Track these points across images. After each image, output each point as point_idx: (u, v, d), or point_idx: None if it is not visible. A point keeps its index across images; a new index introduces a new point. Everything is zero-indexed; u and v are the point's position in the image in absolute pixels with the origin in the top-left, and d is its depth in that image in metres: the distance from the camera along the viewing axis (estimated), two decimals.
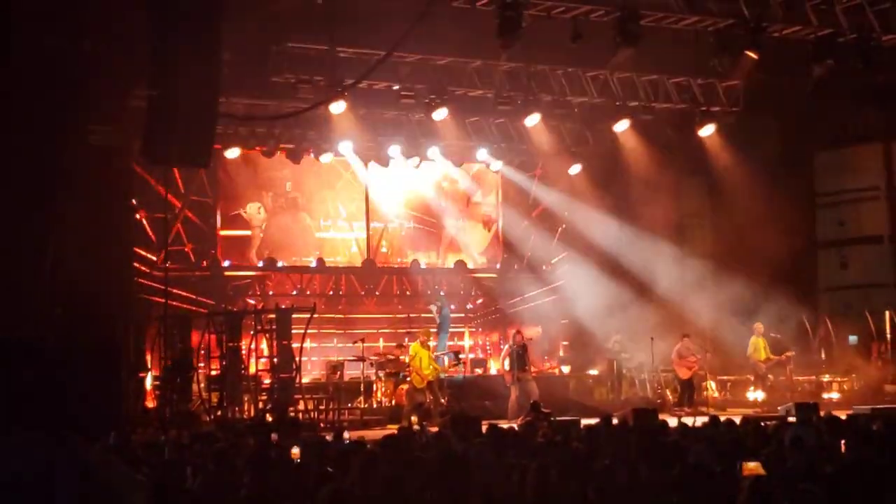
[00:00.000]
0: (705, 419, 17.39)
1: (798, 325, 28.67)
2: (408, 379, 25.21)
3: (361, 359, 26.82)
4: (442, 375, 26.06)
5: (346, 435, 15.23)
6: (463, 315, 33.80)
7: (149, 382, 24.60)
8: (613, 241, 30.79)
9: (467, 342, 33.28)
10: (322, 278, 32.20)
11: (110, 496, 2.20)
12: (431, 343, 26.67)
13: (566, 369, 31.32)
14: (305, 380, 25.48)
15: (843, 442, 12.06)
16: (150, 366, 24.95)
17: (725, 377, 29.42)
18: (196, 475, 9.45)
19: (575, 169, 31.76)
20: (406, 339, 28.66)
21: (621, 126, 28.89)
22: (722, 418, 15.40)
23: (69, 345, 21.80)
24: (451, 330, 32.77)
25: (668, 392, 27.93)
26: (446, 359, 27.74)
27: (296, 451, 12.02)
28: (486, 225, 34.14)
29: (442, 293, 31.20)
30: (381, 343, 30.29)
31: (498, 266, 34.03)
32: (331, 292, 32.10)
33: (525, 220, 33.99)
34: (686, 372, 27.29)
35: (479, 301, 34.40)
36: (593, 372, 30.39)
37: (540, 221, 33.96)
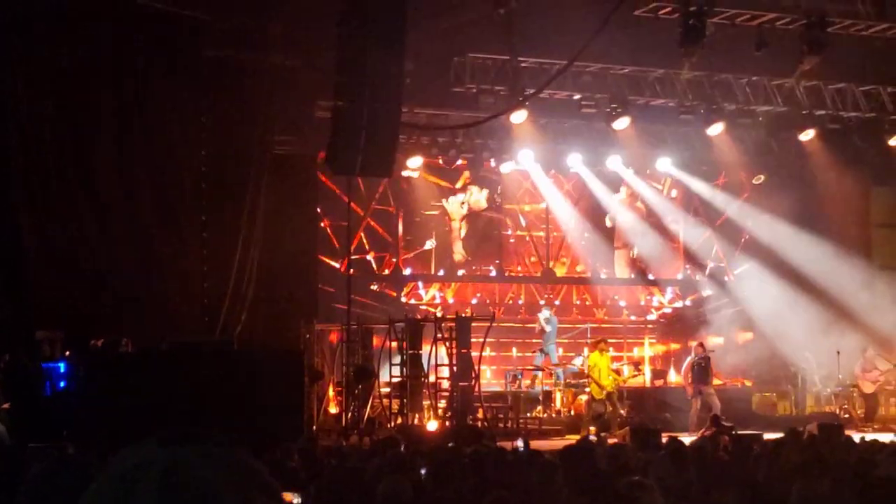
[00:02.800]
0: (894, 436, 16.95)
1: None
2: (587, 389, 25.11)
3: (540, 368, 26.78)
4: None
5: (519, 444, 15.21)
6: (643, 326, 33.52)
7: (331, 389, 25.00)
8: (798, 253, 30.16)
9: (648, 352, 32.96)
10: (502, 287, 32.30)
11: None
12: (539, 356, 26.92)
13: (749, 383, 30.80)
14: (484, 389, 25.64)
15: None
16: (332, 372, 25.35)
17: None
18: (375, 480, 9.58)
19: (759, 179, 31.21)
20: (585, 350, 28.51)
21: (807, 135, 28.36)
22: None
23: (254, 350, 22.38)
24: (631, 340, 32.57)
25: (854, 407, 27.23)
26: (626, 368, 27.54)
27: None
28: (666, 237, 33.76)
29: (545, 305, 30.60)
30: (560, 352, 30.20)
31: (679, 277, 33.66)
32: (510, 301, 32.15)
33: (707, 231, 33.55)
34: (870, 386, 26.61)
35: (661, 311, 34.06)
36: (776, 386, 29.81)
37: (723, 232, 33.47)
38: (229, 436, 2.29)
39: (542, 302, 31.04)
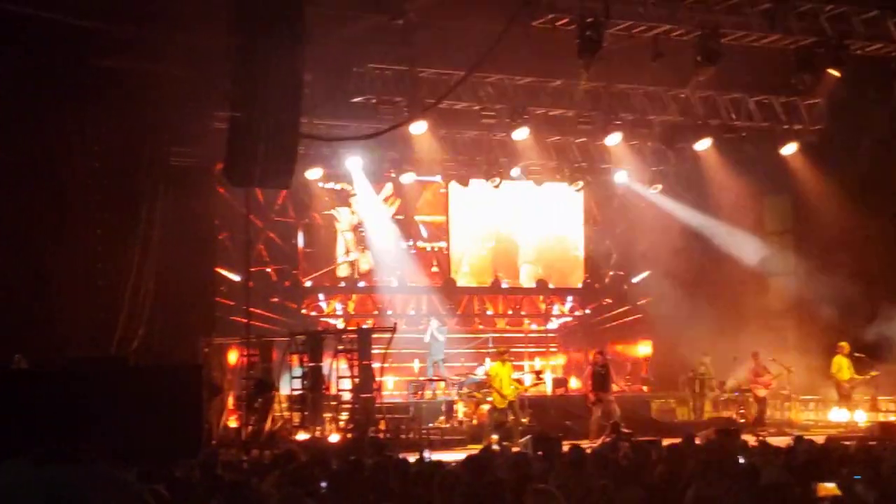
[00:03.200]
0: (788, 439, 17.19)
1: (884, 344, 28.19)
2: (489, 398, 25.16)
3: (442, 379, 26.79)
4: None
5: (426, 454, 15.22)
6: (544, 335, 33.70)
7: (231, 402, 24.77)
8: (695, 260, 30.55)
9: (549, 361, 33.14)
10: (403, 298, 32.26)
11: None
12: (431, 369, 27.13)
13: (647, 390, 31.15)
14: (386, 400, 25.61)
15: None
16: (231, 386, 25.12)
17: (809, 397, 29.05)
18: (276, 494, 9.50)
19: (657, 188, 31.59)
20: (487, 359, 28.62)
21: (703, 145, 28.73)
22: (805, 438, 15.26)
23: (151, 365, 22.07)
24: (532, 349, 32.72)
25: (749, 412, 27.64)
26: (528, 378, 27.64)
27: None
28: (566, 245, 33.98)
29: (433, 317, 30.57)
30: (462, 363, 30.28)
31: (580, 285, 33.90)
32: (412, 312, 32.12)
33: (607, 240, 33.84)
34: (763, 390, 27.18)
35: (561, 320, 34.29)
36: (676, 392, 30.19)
37: (622, 240, 33.80)
38: (109, 454, 2.24)
39: (443, 313, 31.08)
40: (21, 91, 21.60)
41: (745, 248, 30.40)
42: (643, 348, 32.90)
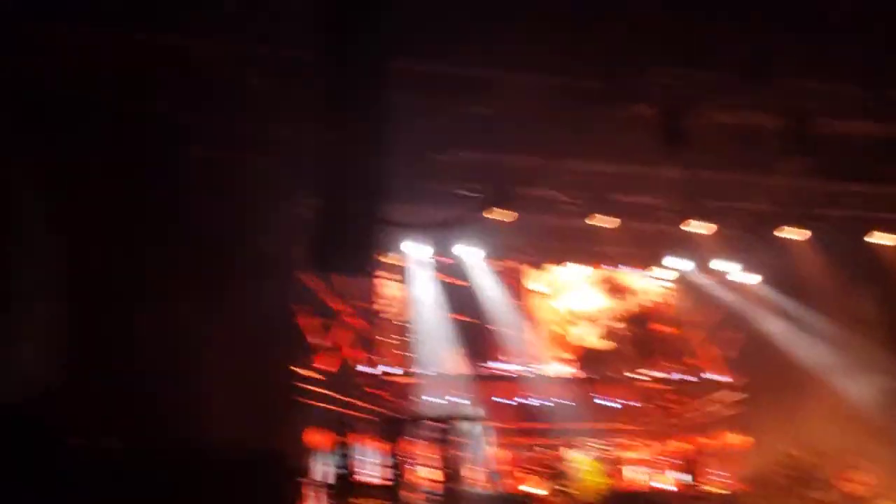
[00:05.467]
0: None
1: None
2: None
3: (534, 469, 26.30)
4: None
5: None
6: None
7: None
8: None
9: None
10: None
11: None
12: None
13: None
14: None
15: None
16: (310, 472, 25.04)
17: None
18: None
19: (755, 279, 31.53)
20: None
21: (791, 233, 28.41)
22: None
23: (233, 448, 21.94)
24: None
25: None
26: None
27: None
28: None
29: None
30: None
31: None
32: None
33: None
34: None
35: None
36: None
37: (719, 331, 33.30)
38: None
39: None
40: (115, 178, 21.83)
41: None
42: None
